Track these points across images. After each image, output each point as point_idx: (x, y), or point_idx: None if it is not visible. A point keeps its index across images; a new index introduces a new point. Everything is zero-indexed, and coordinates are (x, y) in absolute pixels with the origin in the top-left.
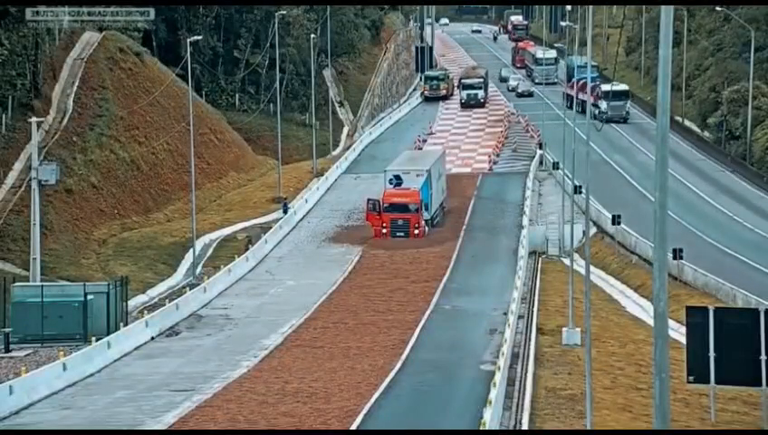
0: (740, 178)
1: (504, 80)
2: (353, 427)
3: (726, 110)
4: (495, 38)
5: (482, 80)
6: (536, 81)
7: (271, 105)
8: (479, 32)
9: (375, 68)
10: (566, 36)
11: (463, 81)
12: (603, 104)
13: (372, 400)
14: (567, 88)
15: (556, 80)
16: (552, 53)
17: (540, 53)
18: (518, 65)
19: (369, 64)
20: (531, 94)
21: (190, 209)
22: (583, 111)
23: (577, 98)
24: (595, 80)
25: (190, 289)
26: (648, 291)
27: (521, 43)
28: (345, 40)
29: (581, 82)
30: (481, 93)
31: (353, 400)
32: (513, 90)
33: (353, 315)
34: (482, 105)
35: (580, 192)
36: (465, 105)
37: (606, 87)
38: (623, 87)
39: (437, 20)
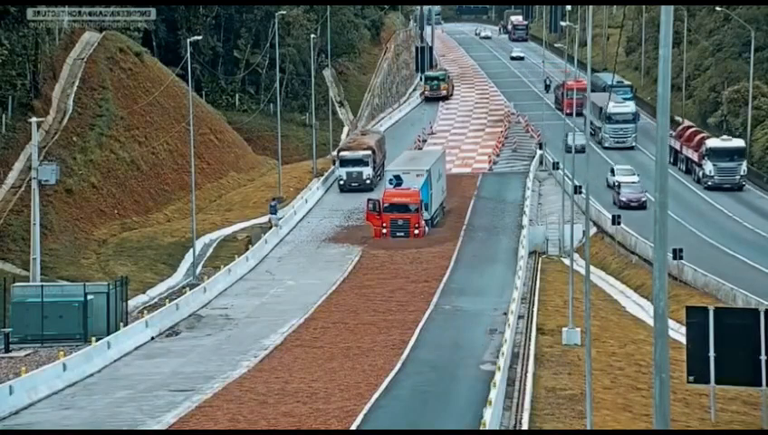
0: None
1: (570, 150)
2: (353, 427)
3: (726, 110)
4: (548, 86)
5: (369, 153)
6: (605, 144)
7: (271, 105)
8: (520, 58)
9: (375, 68)
10: (566, 36)
11: (341, 154)
12: (708, 166)
13: (372, 400)
14: (669, 139)
15: (634, 143)
16: (630, 107)
17: (613, 106)
18: (567, 111)
19: (369, 64)
20: (643, 206)
21: (190, 209)
22: (688, 172)
23: (681, 153)
24: (629, 99)
25: (190, 289)
26: (647, 291)
27: (571, 82)
28: (345, 40)
29: (688, 131)
30: (367, 172)
31: (353, 400)
32: (615, 187)
33: (353, 315)
34: (369, 189)
35: (580, 192)
36: (345, 189)
37: (713, 142)
38: (738, 143)
39: (478, 34)
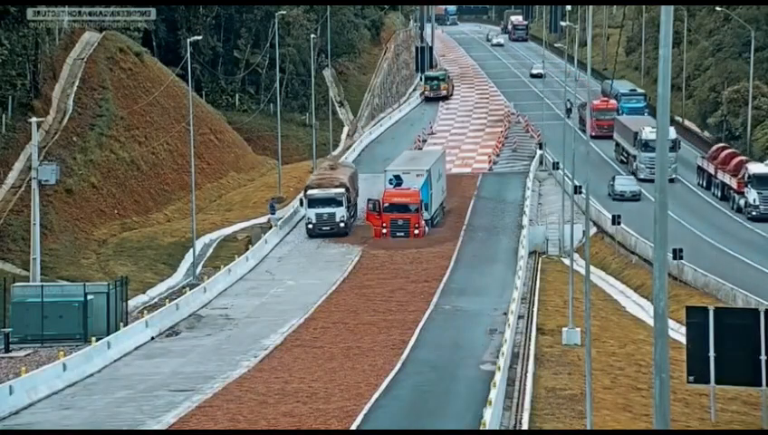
0: None
1: (620, 197)
2: (353, 427)
3: (726, 110)
4: (569, 110)
5: (342, 190)
6: (640, 175)
7: (271, 105)
8: (540, 76)
9: (375, 68)
10: (566, 36)
11: (310, 193)
12: (752, 194)
13: (372, 400)
14: (703, 161)
15: (675, 175)
16: (671, 132)
17: (649, 131)
18: (593, 133)
19: (369, 64)
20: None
21: (190, 209)
22: (724, 199)
23: (715, 177)
24: (643, 110)
25: (190, 289)
26: (647, 291)
27: (597, 102)
28: (345, 40)
29: (723, 153)
30: (341, 213)
31: (353, 400)
32: None
33: (353, 315)
34: (343, 233)
35: (581, 192)
36: (314, 233)
37: (757, 168)
38: None
39: (489, 40)
